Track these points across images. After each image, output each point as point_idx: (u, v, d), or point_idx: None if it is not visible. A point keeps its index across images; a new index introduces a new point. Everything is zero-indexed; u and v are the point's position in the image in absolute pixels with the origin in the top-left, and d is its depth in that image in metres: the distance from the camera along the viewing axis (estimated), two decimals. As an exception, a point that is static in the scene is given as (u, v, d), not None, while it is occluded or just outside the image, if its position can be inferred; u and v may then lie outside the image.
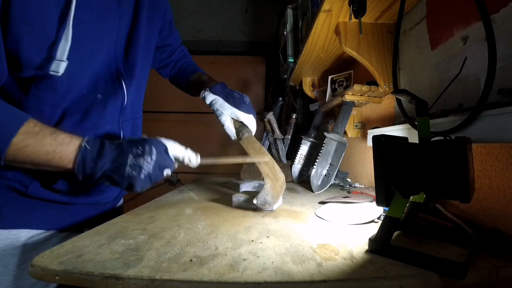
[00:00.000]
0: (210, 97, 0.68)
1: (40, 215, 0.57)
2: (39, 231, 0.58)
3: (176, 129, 2.40)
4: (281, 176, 0.64)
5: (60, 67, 0.48)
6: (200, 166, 0.59)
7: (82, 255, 0.36)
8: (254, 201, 0.53)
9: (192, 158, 0.57)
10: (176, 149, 0.56)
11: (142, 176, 0.49)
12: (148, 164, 0.50)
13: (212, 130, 2.29)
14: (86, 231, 0.46)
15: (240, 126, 0.68)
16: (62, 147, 0.46)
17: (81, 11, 0.48)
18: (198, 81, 0.83)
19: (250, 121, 0.68)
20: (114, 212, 0.72)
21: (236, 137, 0.68)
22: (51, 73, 0.48)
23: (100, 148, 0.49)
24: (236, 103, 0.68)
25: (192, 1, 2.39)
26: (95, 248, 0.38)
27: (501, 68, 0.47)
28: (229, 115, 0.67)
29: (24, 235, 0.55)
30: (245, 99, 0.70)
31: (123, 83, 0.62)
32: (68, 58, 0.48)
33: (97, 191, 0.63)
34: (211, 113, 0.70)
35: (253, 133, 0.69)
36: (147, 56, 0.71)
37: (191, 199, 0.75)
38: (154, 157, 0.50)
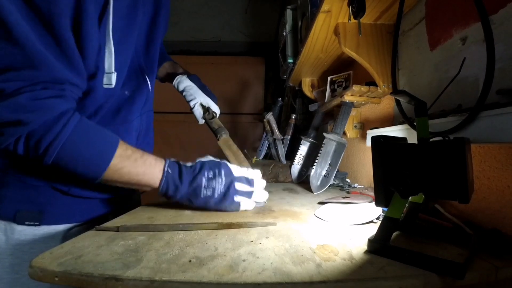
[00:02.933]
0: (185, 83, 0.80)
1: (77, 210, 0.60)
2: (73, 224, 0.60)
3: (175, 129, 2.40)
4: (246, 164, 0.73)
5: (112, 79, 0.51)
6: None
7: (81, 256, 0.36)
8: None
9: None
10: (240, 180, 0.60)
11: (216, 195, 0.55)
12: (219, 184, 0.55)
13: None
14: (86, 232, 0.46)
15: (212, 118, 0.81)
16: (150, 169, 0.52)
17: (115, 19, 0.48)
18: (171, 68, 0.90)
19: (217, 109, 0.83)
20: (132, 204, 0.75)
21: (203, 120, 0.83)
22: (105, 86, 0.51)
23: (179, 173, 0.55)
24: (208, 94, 0.82)
25: (192, 1, 2.39)
26: (94, 249, 0.38)
27: (499, 68, 0.47)
28: (201, 101, 0.79)
29: (62, 228, 0.58)
30: (213, 93, 0.85)
31: (147, 78, 0.64)
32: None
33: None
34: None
35: (218, 115, 0.84)
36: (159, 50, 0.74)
37: (191, 199, 0.75)
38: (223, 178, 0.56)
